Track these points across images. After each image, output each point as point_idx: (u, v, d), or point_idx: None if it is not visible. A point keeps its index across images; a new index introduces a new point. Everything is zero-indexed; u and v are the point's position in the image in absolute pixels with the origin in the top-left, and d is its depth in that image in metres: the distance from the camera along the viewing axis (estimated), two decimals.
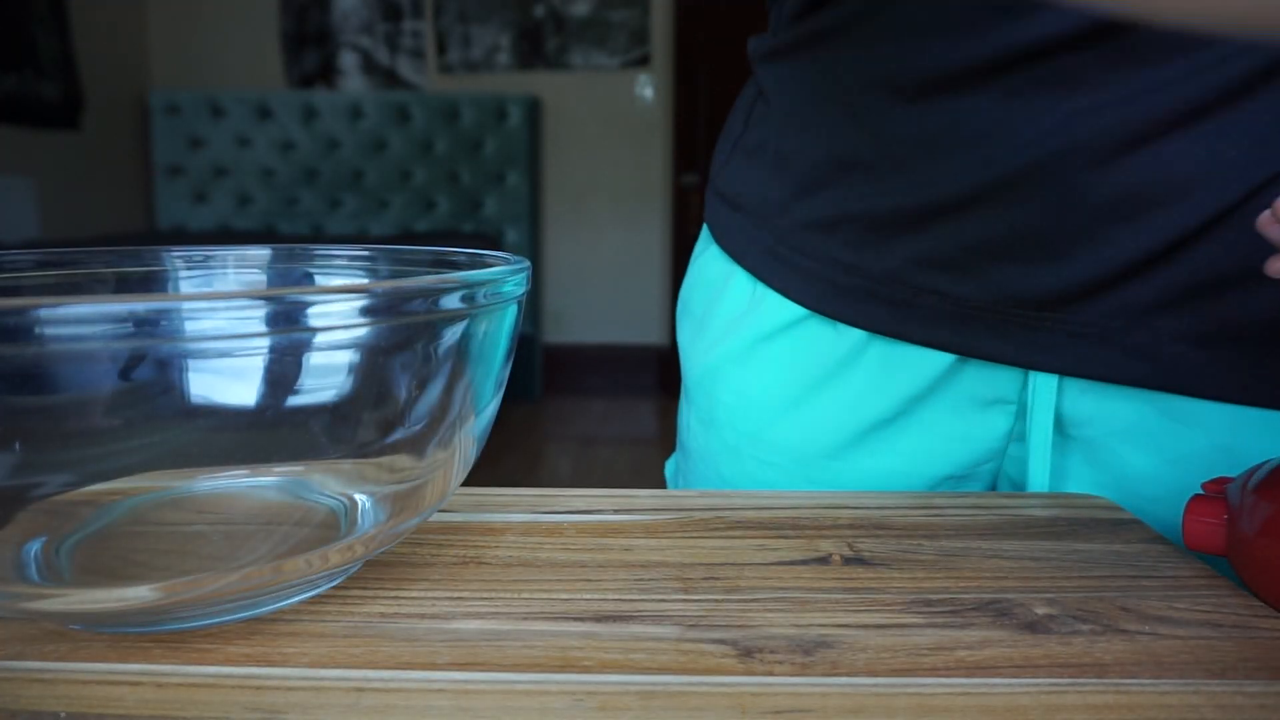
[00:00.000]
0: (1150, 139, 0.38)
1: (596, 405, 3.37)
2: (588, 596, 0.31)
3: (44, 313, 0.20)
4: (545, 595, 0.31)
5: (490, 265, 0.33)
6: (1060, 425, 0.45)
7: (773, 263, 0.49)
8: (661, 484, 0.60)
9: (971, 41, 0.40)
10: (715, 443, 0.52)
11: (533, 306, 3.44)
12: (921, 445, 0.47)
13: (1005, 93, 0.39)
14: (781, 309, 0.49)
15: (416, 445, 0.27)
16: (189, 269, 0.38)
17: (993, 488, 0.49)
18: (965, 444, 0.47)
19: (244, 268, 0.39)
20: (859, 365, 0.47)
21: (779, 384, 0.49)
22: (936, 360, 0.46)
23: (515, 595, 0.31)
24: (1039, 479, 0.45)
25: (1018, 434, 0.47)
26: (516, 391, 3.38)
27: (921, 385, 0.46)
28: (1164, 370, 0.41)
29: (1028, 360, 0.43)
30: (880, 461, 0.48)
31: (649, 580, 0.32)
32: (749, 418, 0.50)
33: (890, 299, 0.45)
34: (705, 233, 0.57)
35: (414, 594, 0.31)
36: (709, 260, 0.55)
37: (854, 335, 0.47)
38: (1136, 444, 0.43)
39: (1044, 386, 0.44)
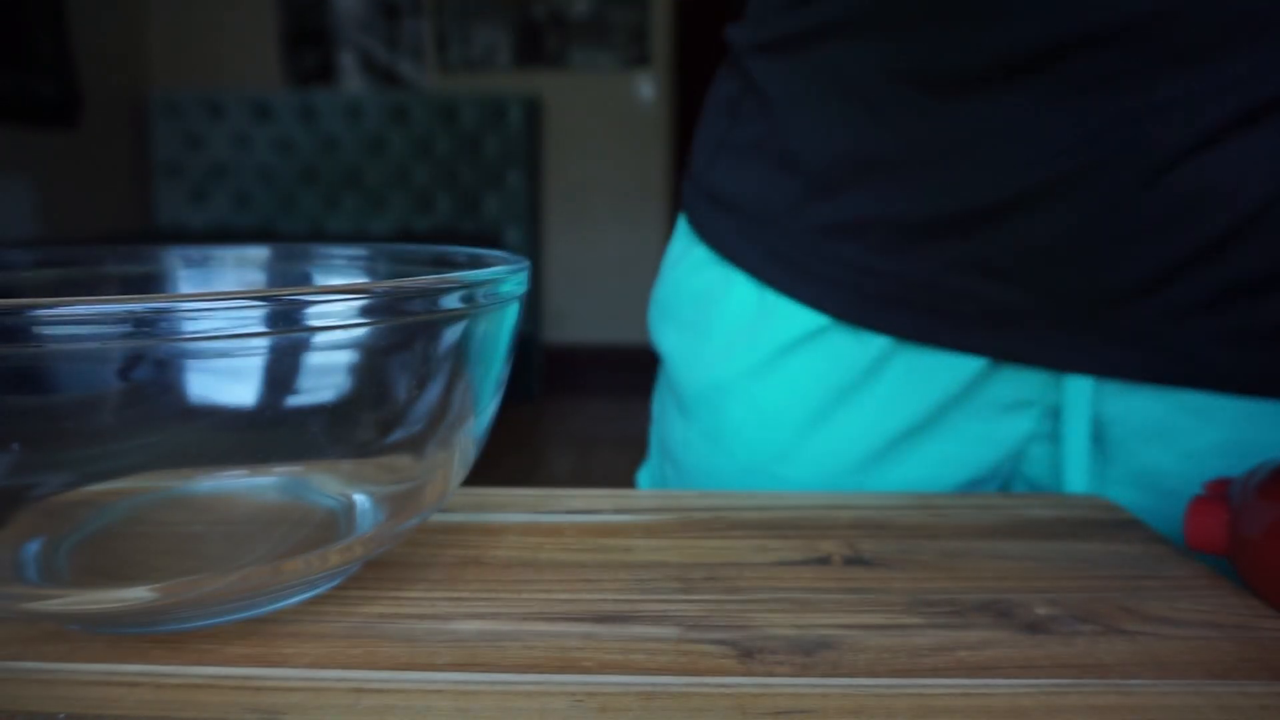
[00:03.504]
0: (1207, 144, 0.36)
1: (596, 405, 3.37)
2: (588, 597, 0.31)
3: (42, 312, 0.20)
4: (545, 596, 0.31)
5: (490, 265, 0.33)
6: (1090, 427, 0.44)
7: (784, 268, 0.46)
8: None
9: (1008, 32, 0.36)
10: (725, 462, 0.49)
11: (533, 306, 3.44)
12: (945, 452, 0.46)
13: (1046, 91, 0.37)
14: (798, 318, 0.46)
15: (416, 445, 0.27)
16: (188, 268, 0.38)
17: (1005, 488, 0.49)
18: (987, 447, 0.46)
19: (243, 267, 0.39)
20: (885, 374, 0.45)
21: (800, 399, 0.47)
22: (966, 366, 0.44)
23: (515, 596, 0.31)
24: (1075, 481, 0.44)
25: (1041, 435, 0.46)
26: (516, 391, 3.38)
27: (950, 392, 0.45)
28: (1198, 369, 0.41)
29: (1065, 363, 0.42)
30: (904, 472, 0.47)
31: (649, 580, 0.32)
32: (767, 436, 0.48)
33: (921, 304, 0.43)
34: (685, 233, 0.53)
35: (413, 594, 0.31)
36: (697, 264, 0.51)
37: (879, 343, 0.45)
38: (1155, 440, 0.43)
39: (1079, 389, 0.43)
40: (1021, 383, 0.45)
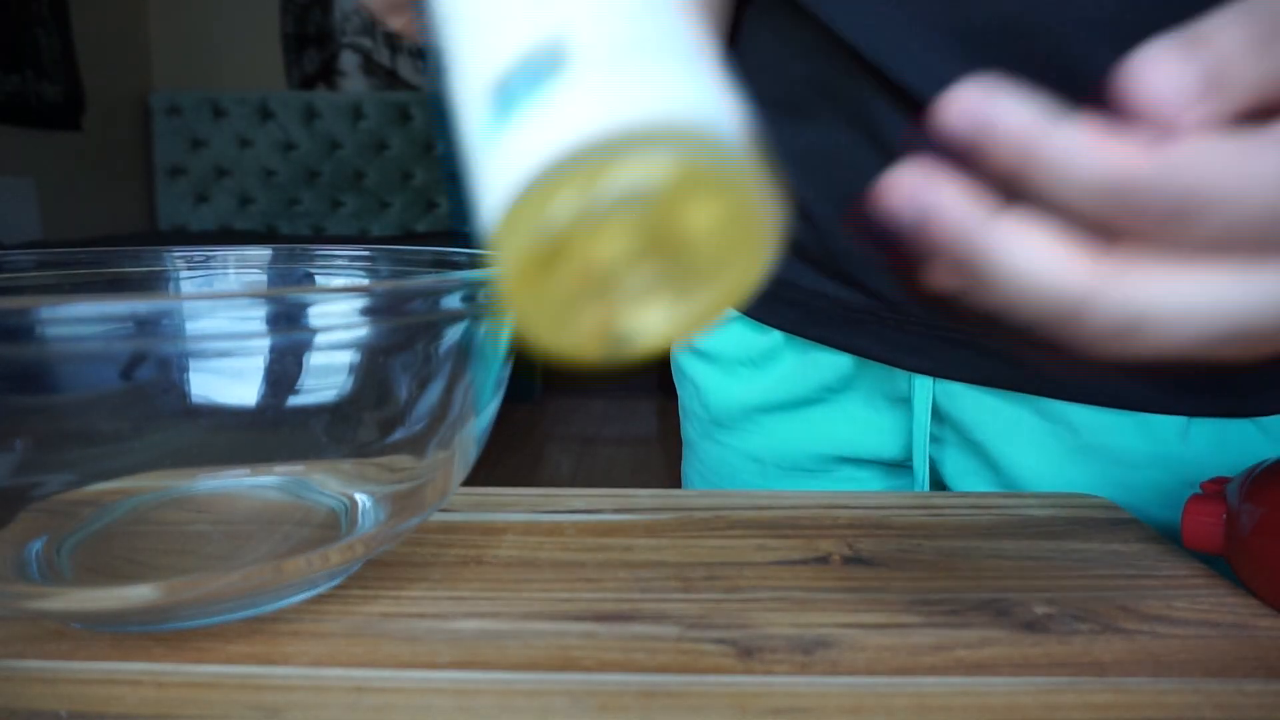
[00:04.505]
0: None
1: (596, 405, 3.37)
2: (588, 596, 0.31)
3: (45, 313, 0.20)
4: (545, 595, 0.31)
5: (491, 265, 0.33)
6: (956, 427, 0.47)
7: None
8: (661, 483, 0.60)
9: (789, 68, 0.43)
10: (690, 430, 0.57)
11: None
12: (839, 430, 0.50)
13: (848, 116, 0.42)
14: None
15: (417, 445, 0.27)
16: (190, 269, 0.38)
17: (939, 481, 0.51)
18: (882, 434, 0.49)
19: (245, 268, 0.39)
20: (781, 360, 0.51)
21: (717, 375, 0.53)
22: (841, 359, 0.48)
23: (515, 595, 0.31)
24: (920, 477, 0.47)
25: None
26: (516, 391, 3.38)
27: (832, 379, 0.49)
28: (1029, 375, 0.43)
29: (899, 361, 0.45)
30: (801, 429, 0.51)
31: (649, 580, 0.32)
32: (704, 406, 0.54)
33: (793, 301, 0.48)
34: None
35: (414, 594, 0.31)
36: None
37: (775, 333, 0.50)
38: (1019, 444, 0.45)
39: (921, 386, 0.46)
40: (888, 378, 0.48)
